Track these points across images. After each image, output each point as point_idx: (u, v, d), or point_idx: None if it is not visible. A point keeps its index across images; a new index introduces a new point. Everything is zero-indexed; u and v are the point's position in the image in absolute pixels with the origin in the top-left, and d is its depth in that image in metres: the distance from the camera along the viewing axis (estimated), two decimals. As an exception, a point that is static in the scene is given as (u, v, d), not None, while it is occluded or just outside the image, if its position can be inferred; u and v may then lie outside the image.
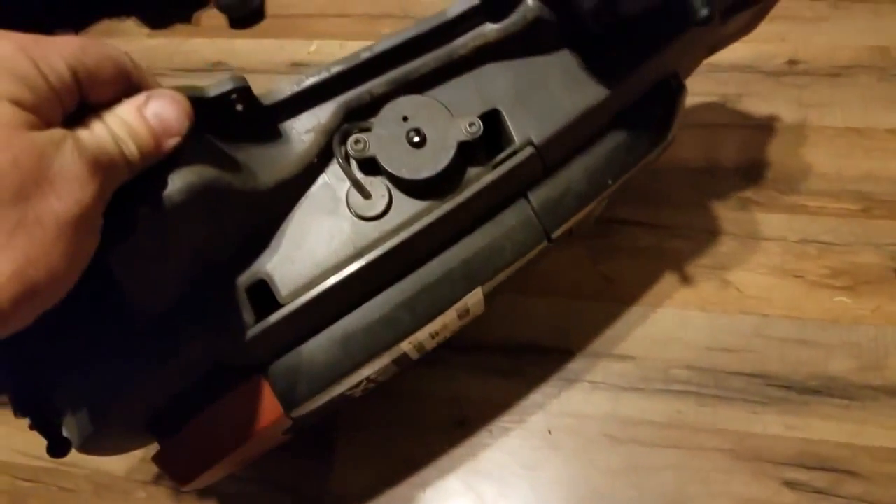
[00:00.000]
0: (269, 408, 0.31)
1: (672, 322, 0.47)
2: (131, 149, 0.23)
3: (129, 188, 0.23)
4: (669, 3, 0.28)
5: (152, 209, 0.24)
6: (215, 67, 0.65)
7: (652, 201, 0.51)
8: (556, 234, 0.34)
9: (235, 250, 0.30)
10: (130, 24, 0.70)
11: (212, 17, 0.69)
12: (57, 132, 0.21)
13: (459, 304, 0.33)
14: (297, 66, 0.64)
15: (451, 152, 0.30)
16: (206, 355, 0.29)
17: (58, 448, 0.29)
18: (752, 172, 0.52)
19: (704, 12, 0.27)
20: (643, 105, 0.35)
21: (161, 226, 0.25)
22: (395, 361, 0.35)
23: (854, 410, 0.43)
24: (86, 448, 0.29)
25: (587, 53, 0.33)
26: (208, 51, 0.66)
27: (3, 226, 0.19)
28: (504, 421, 0.45)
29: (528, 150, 0.32)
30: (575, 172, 0.34)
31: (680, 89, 0.36)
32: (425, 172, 0.30)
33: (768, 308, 0.47)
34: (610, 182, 0.34)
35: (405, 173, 0.30)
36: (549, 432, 0.44)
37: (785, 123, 0.54)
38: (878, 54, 0.56)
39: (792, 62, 0.56)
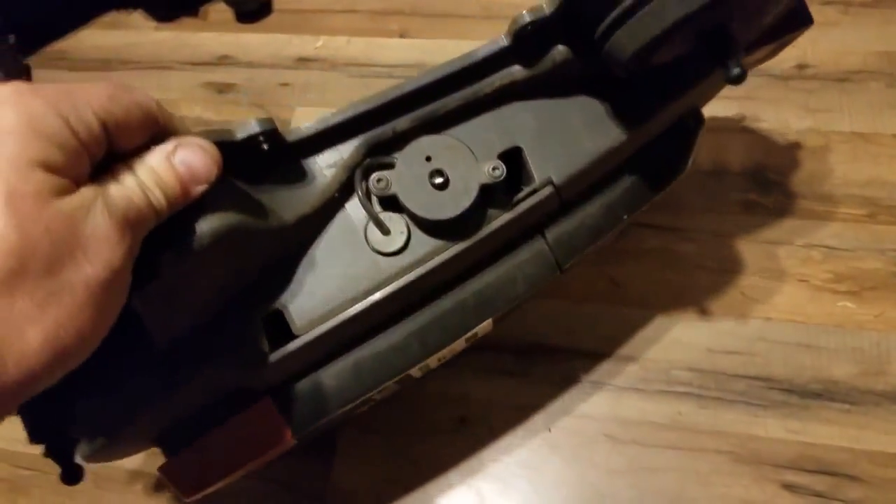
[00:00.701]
0: (277, 430, 0.31)
1: (675, 324, 0.47)
2: (158, 197, 0.23)
3: (153, 232, 0.23)
4: (697, 48, 0.28)
5: (177, 254, 0.24)
6: (222, 61, 0.65)
7: (659, 204, 0.51)
8: (567, 266, 0.34)
9: (254, 280, 0.30)
10: (137, 17, 0.70)
11: (219, 10, 0.69)
12: (87, 193, 0.21)
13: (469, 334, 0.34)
14: (303, 61, 0.64)
15: (473, 195, 0.30)
16: (219, 382, 0.30)
17: (71, 475, 0.29)
18: (758, 176, 0.52)
19: (737, 72, 0.27)
20: (662, 139, 0.35)
21: (185, 269, 0.25)
22: (399, 381, 0.36)
23: (855, 415, 0.43)
24: (92, 460, 0.30)
25: (610, 96, 0.34)
26: (215, 44, 0.66)
27: (36, 297, 0.19)
28: (506, 420, 0.45)
29: (548, 190, 0.32)
30: (591, 208, 0.35)
31: (698, 124, 0.36)
32: (446, 214, 0.30)
33: (772, 311, 0.47)
34: (625, 217, 0.35)
35: (426, 214, 0.30)
36: (550, 431, 0.45)
37: (792, 128, 0.54)
38: (886, 60, 0.56)
39: (800, 66, 0.56)
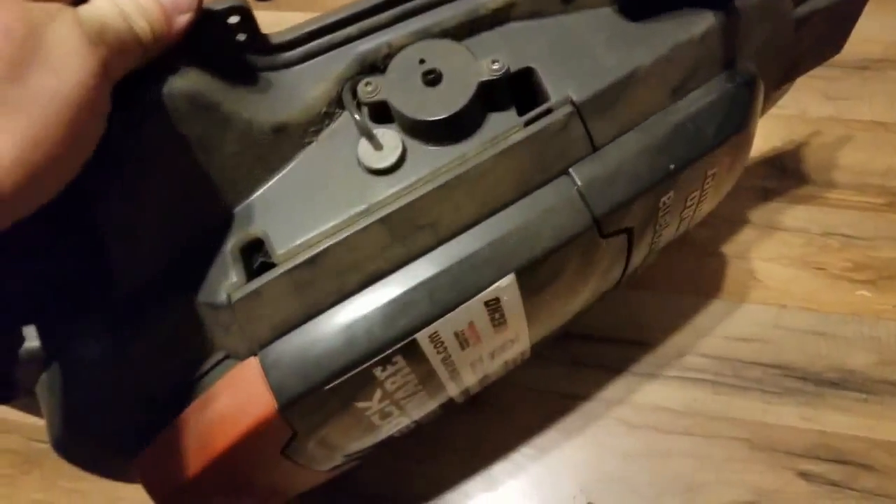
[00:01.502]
0: (261, 400, 0.25)
1: (690, 310, 0.47)
2: (142, 26, 0.21)
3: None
4: None
5: (135, 118, 0.23)
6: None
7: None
8: (608, 228, 0.29)
9: (231, 210, 0.27)
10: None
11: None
12: (52, 4, 0.19)
13: (505, 338, 0.29)
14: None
15: (471, 91, 0.27)
16: (189, 326, 0.26)
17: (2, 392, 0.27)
18: (776, 163, 0.52)
19: None
20: (709, 92, 0.30)
21: (146, 151, 0.23)
22: (443, 406, 0.33)
23: (871, 405, 0.43)
24: (65, 444, 0.26)
25: (633, 15, 0.30)
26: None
27: (2, 104, 0.17)
28: (518, 403, 0.45)
29: (567, 109, 0.27)
30: (627, 149, 0.28)
31: (753, 77, 0.32)
32: (440, 113, 0.26)
33: (788, 299, 0.47)
34: (672, 167, 0.29)
35: (418, 114, 0.26)
36: (563, 414, 0.44)
37: (811, 115, 0.53)
38: (907, 49, 0.55)
39: (819, 55, 0.56)
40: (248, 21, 0.26)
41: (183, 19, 0.23)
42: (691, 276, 0.48)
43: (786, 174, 0.51)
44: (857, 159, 0.51)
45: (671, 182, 0.29)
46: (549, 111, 0.28)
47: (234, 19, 0.25)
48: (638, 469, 0.42)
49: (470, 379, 0.33)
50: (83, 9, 0.20)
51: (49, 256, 0.22)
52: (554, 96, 0.28)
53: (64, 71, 0.19)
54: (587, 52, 0.29)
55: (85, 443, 0.26)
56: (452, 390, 0.33)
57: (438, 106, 0.26)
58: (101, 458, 0.27)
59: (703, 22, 0.29)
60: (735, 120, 0.31)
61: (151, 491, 0.27)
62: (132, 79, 0.22)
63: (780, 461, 0.42)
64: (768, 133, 0.53)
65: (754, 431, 0.43)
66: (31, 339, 0.25)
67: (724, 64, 0.31)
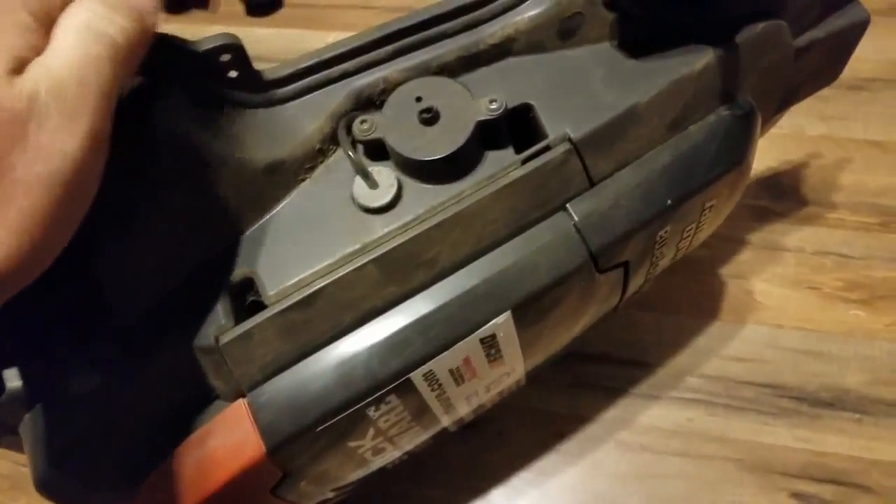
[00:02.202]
0: (249, 443, 0.24)
1: (687, 330, 0.47)
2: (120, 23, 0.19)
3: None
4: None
5: (141, 151, 0.22)
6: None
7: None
8: (605, 263, 0.29)
9: (224, 249, 0.26)
10: (147, 8, 0.69)
11: (230, 3, 0.68)
12: (34, 72, 0.17)
13: (501, 372, 0.29)
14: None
15: (468, 131, 0.26)
16: (178, 367, 0.25)
17: None
18: (772, 183, 0.52)
19: None
20: (707, 126, 0.30)
21: (138, 189, 0.23)
22: (435, 436, 0.33)
23: (867, 425, 0.43)
24: (50, 483, 0.25)
25: (631, 51, 0.30)
26: (225, 38, 0.66)
27: None
28: (515, 424, 0.45)
29: (564, 146, 0.27)
30: (625, 185, 0.28)
31: (751, 110, 0.31)
32: (436, 153, 0.26)
33: (783, 319, 0.47)
34: (669, 202, 0.29)
35: (414, 154, 0.26)
36: (561, 437, 0.44)
37: (806, 135, 0.53)
38: (900, 68, 0.55)
39: (814, 73, 0.56)
40: (240, 57, 0.25)
41: (152, 20, 0.21)
42: (688, 296, 0.48)
43: (780, 194, 0.51)
44: (852, 179, 0.51)
45: (668, 216, 0.29)
46: (546, 148, 0.27)
47: (225, 57, 0.25)
48: (631, 491, 0.42)
49: (464, 410, 0.33)
50: (56, 58, 0.18)
51: (39, 296, 0.22)
52: (552, 133, 0.28)
53: (52, 152, 0.17)
54: (586, 88, 0.29)
55: (70, 481, 0.26)
56: (446, 422, 0.32)
57: (435, 145, 0.26)
58: (86, 496, 0.27)
59: (703, 57, 0.29)
60: (733, 154, 0.31)
61: None
62: (121, 120, 0.21)
63: (775, 482, 0.42)
64: (763, 153, 0.53)
65: (748, 452, 0.43)
66: (13, 379, 0.25)
67: (722, 98, 0.31)
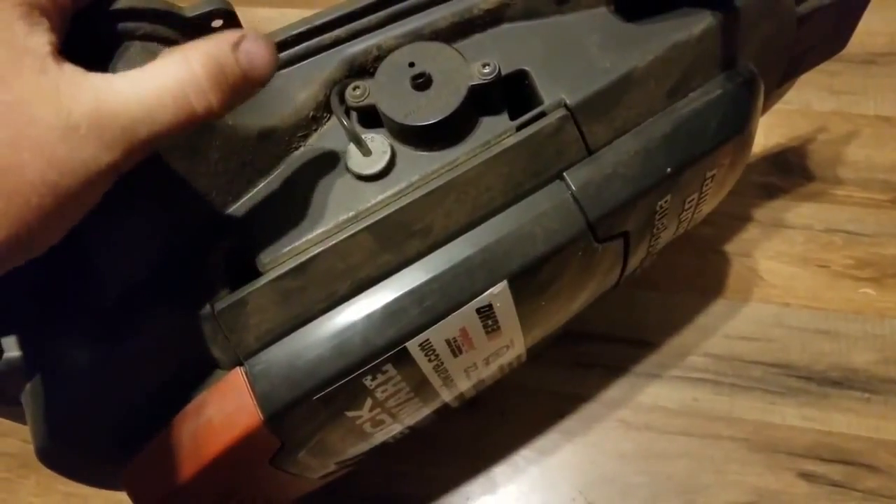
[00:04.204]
0: (246, 412, 0.24)
1: (692, 308, 0.46)
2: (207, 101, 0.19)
3: None
4: None
5: None
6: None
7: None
8: (603, 233, 0.28)
9: (216, 217, 0.26)
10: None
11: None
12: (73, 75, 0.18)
13: (499, 344, 0.29)
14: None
15: (461, 95, 0.26)
16: (174, 336, 0.25)
17: None
18: (779, 159, 0.51)
19: None
20: (707, 93, 0.30)
21: None
22: (436, 411, 0.33)
23: (875, 404, 0.42)
24: (50, 453, 0.26)
25: (628, 16, 0.29)
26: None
27: None
28: (516, 402, 0.44)
29: (561, 112, 0.27)
30: (623, 152, 0.28)
31: (752, 77, 0.31)
32: (430, 118, 0.26)
33: (791, 297, 0.46)
34: (669, 170, 0.28)
35: (407, 119, 0.26)
36: (563, 415, 0.44)
37: (815, 110, 0.52)
38: (913, 42, 0.54)
39: (823, 48, 0.55)
40: (232, 24, 0.25)
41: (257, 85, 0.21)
42: (693, 275, 0.47)
43: (788, 170, 0.50)
44: (862, 155, 0.50)
45: (668, 185, 0.29)
46: (542, 115, 0.27)
47: (217, 23, 0.24)
48: (635, 470, 0.42)
49: (464, 384, 0.32)
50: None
51: (31, 266, 0.21)
52: (547, 99, 0.27)
53: (66, 167, 0.17)
54: (582, 53, 0.28)
55: (69, 451, 0.26)
56: (446, 396, 0.32)
57: (428, 111, 0.26)
58: (85, 466, 0.27)
59: (702, 21, 0.29)
60: (734, 121, 0.30)
61: (138, 501, 0.26)
62: None
63: (781, 462, 0.41)
64: (770, 128, 0.52)
65: (755, 431, 0.42)
66: (12, 349, 0.25)
67: (723, 64, 0.30)
